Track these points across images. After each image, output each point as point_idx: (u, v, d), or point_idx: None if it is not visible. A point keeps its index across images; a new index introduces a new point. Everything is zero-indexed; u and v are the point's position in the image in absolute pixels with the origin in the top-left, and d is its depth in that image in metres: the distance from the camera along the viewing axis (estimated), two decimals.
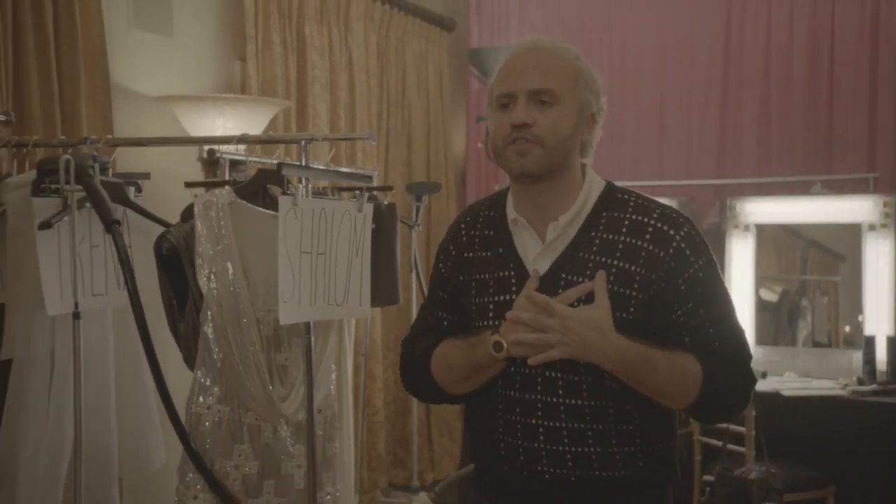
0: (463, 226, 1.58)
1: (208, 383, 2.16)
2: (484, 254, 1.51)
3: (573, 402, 1.41)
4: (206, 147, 2.76)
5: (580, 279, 1.41)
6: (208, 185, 2.84)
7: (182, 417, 2.07)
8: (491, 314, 1.46)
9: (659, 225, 1.43)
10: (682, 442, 3.23)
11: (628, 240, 1.42)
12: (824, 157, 4.23)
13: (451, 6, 5.01)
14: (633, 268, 1.41)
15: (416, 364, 1.56)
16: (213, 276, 2.16)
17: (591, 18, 4.82)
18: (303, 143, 2.22)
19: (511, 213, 1.51)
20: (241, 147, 2.83)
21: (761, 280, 4.02)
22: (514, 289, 1.45)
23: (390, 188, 3.48)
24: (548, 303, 1.37)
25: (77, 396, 2.05)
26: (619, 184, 1.54)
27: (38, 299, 2.10)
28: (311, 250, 2.14)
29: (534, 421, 1.43)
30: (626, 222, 1.44)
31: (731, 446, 3.18)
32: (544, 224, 1.46)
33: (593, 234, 1.44)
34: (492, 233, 1.52)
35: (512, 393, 1.45)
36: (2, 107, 2.37)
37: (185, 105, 3.12)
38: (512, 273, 1.47)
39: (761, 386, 3.44)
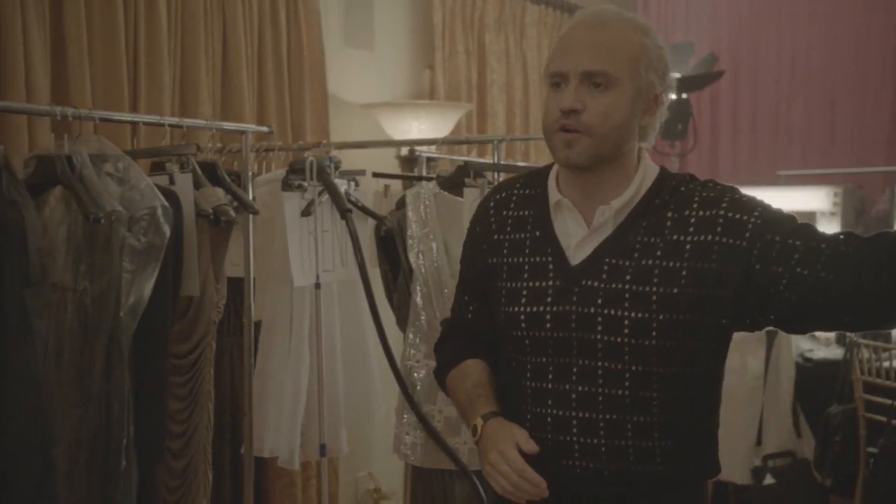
0: (493, 204, 1.46)
1: (417, 342, 2.60)
2: (517, 236, 1.40)
3: (613, 391, 1.31)
4: (408, 148, 3.23)
5: (626, 262, 1.30)
6: (395, 177, 3.30)
7: None
8: (524, 300, 1.36)
9: (706, 193, 1.32)
10: (846, 417, 3.40)
11: (674, 215, 1.31)
12: None
13: (621, 5, 5.27)
14: (682, 237, 1.29)
15: (439, 368, 1.54)
16: (420, 254, 2.60)
17: (761, 10, 4.93)
18: (495, 142, 2.61)
19: (554, 194, 1.37)
20: (433, 147, 3.27)
21: None
22: (550, 275, 1.34)
23: None
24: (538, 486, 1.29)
25: (319, 354, 2.53)
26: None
27: (279, 274, 2.60)
28: None
29: (568, 413, 1.33)
30: (675, 201, 1.33)
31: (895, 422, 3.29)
32: (591, 208, 1.34)
33: (642, 219, 1.33)
34: (527, 213, 1.41)
35: (544, 384, 1.35)
36: (252, 119, 2.92)
37: (385, 110, 3.60)
38: (549, 259, 1.35)
39: None
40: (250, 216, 2.31)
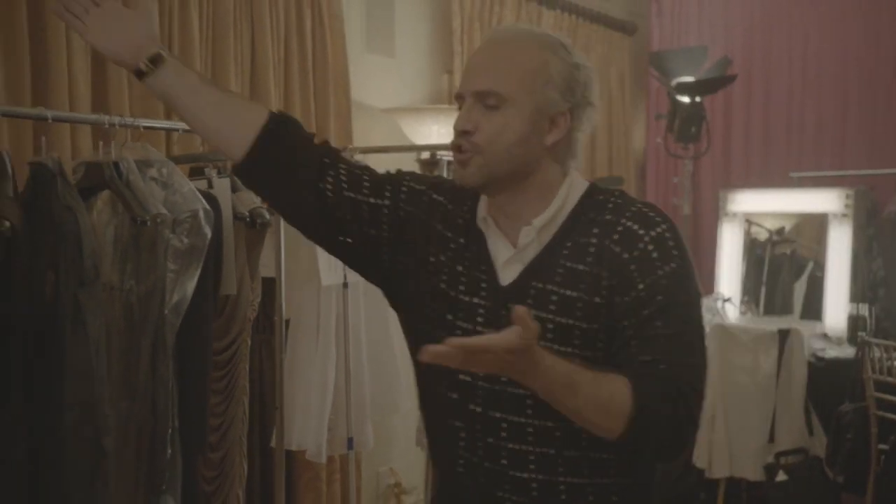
0: (433, 188, 1.39)
1: None
2: (446, 233, 1.34)
3: (543, 423, 1.25)
4: (429, 151, 3.33)
5: (550, 287, 1.25)
6: None
7: None
8: (461, 314, 1.30)
9: (630, 224, 1.26)
10: (858, 415, 3.47)
11: (598, 241, 1.26)
12: None
13: (633, 9, 5.35)
14: (602, 272, 1.23)
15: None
16: None
17: (773, 14, 4.99)
18: None
19: (482, 210, 1.33)
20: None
21: None
22: (483, 293, 1.29)
23: None
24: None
25: (346, 350, 2.62)
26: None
27: (307, 274, 2.70)
28: None
29: (498, 442, 1.27)
30: (600, 224, 1.27)
31: None
32: (514, 228, 1.30)
33: (566, 239, 1.28)
34: (453, 208, 1.35)
35: (472, 407, 1.29)
36: None
37: (406, 115, 3.70)
38: (484, 277, 1.30)
39: None
40: (282, 218, 2.40)
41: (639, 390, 1.15)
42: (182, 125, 2.28)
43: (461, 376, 1.28)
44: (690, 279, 1.25)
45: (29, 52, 2.19)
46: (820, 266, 4.30)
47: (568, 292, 1.24)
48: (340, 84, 3.40)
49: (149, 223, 1.83)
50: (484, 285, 1.29)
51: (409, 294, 1.35)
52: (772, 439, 3.77)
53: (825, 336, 4.11)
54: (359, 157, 3.00)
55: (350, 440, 2.63)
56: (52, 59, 2.26)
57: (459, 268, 1.31)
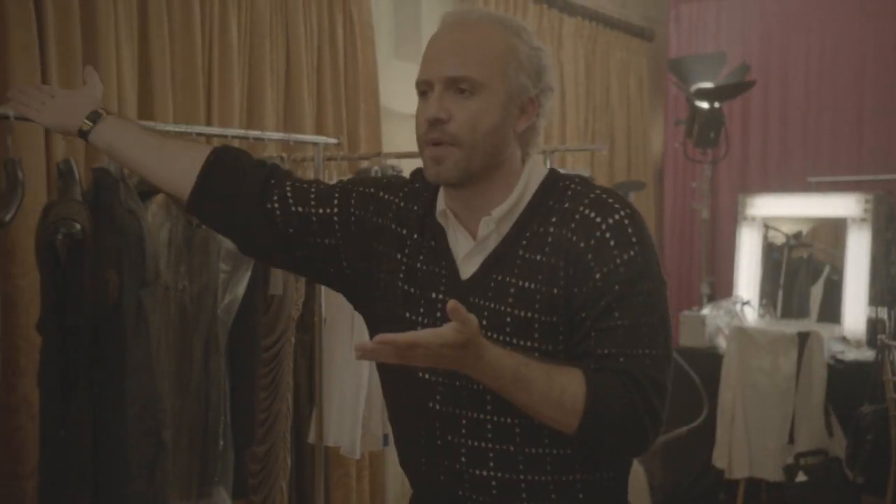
0: (382, 188, 1.35)
1: None
2: (407, 234, 1.30)
3: (502, 420, 1.21)
4: None
5: (509, 279, 1.22)
6: None
7: None
8: (422, 309, 1.26)
9: (587, 212, 1.21)
10: (878, 416, 3.53)
11: (555, 230, 1.22)
12: None
13: (651, 16, 5.42)
14: (560, 263, 1.20)
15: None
16: None
17: (790, 20, 5.06)
18: (545, 153, 2.78)
19: (440, 203, 1.29)
20: None
21: None
22: (442, 288, 1.25)
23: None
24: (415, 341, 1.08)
25: None
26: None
27: None
28: None
29: (457, 439, 1.24)
30: (559, 212, 1.23)
31: None
32: (476, 219, 1.26)
33: (525, 229, 1.24)
34: (405, 205, 1.32)
35: (431, 404, 1.25)
36: (311, 130, 3.10)
37: None
38: (444, 272, 1.26)
39: None
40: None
41: (593, 385, 1.14)
42: (231, 132, 2.37)
43: (420, 374, 1.24)
44: (652, 267, 1.20)
45: (82, 62, 2.28)
46: (836, 270, 4.35)
47: (526, 284, 1.21)
48: (370, 90, 3.48)
49: (202, 225, 1.91)
50: (444, 280, 1.26)
51: (370, 296, 1.32)
52: (791, 440, 3.83)
53: (844, 339, 4.16)
54: (391, 163, 3.09)
55: (385, 436, 2.70)
56: (103, 68, 2.35)
57: (417, 264, 1.28)
